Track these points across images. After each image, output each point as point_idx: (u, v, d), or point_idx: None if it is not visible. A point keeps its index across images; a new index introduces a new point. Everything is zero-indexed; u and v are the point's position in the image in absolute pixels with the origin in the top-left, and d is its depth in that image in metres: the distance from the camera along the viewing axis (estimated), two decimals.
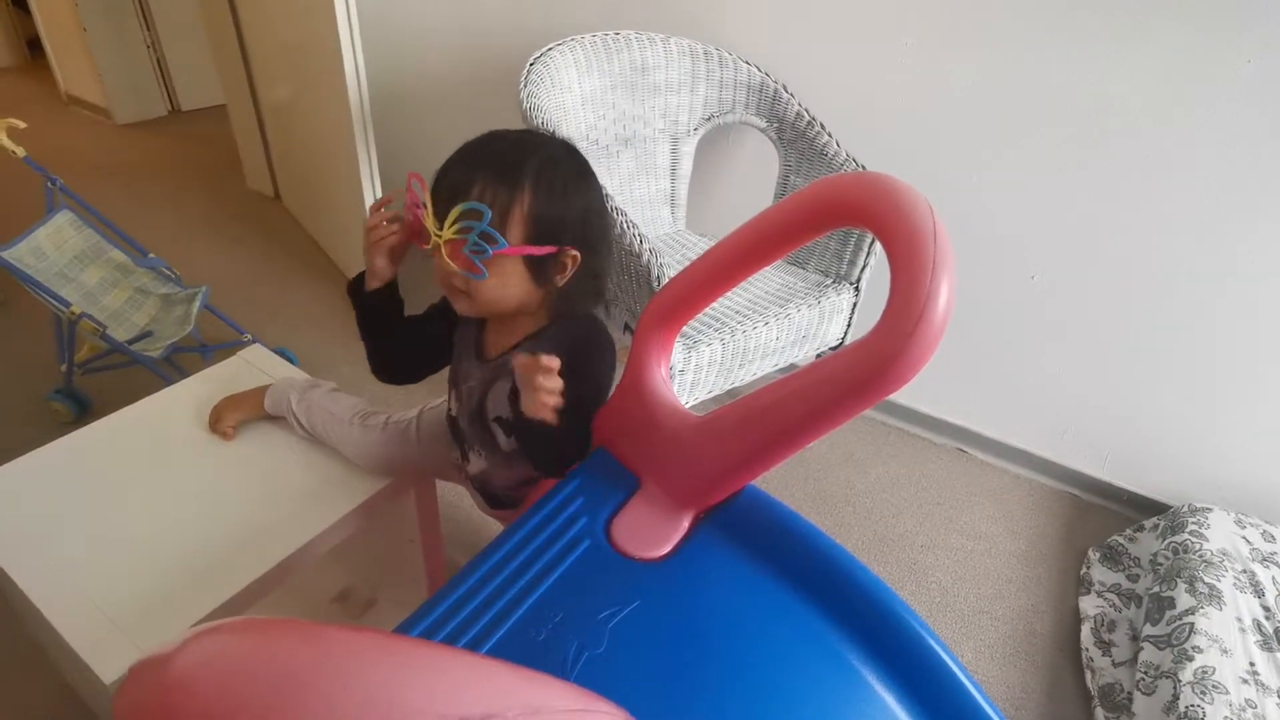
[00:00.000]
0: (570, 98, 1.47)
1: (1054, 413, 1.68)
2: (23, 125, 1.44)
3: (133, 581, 0.81)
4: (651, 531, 0.70)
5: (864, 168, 1.45)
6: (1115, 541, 1.57)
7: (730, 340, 1.32)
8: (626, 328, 1.41)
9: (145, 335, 1.49)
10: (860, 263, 1.48)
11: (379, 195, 1.90)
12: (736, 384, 1.41)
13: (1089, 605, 1.43)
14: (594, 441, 0.82)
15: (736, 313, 1.39)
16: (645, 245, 1.16)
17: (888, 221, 0.52)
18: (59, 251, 1.52)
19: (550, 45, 1.45)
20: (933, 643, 0.61)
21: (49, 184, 1.51)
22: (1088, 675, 1.32)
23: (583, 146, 1.49)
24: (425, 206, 0.75)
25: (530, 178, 0.75)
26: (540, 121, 1.29)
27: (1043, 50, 1.37)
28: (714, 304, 1.41)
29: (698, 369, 1.31)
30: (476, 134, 0.80)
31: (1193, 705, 1.12)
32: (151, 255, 1.65)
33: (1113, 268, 1.48)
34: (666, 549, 0.68)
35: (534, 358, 0.67)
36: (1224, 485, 1.58)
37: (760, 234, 0.65)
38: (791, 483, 1.65)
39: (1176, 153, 1.34)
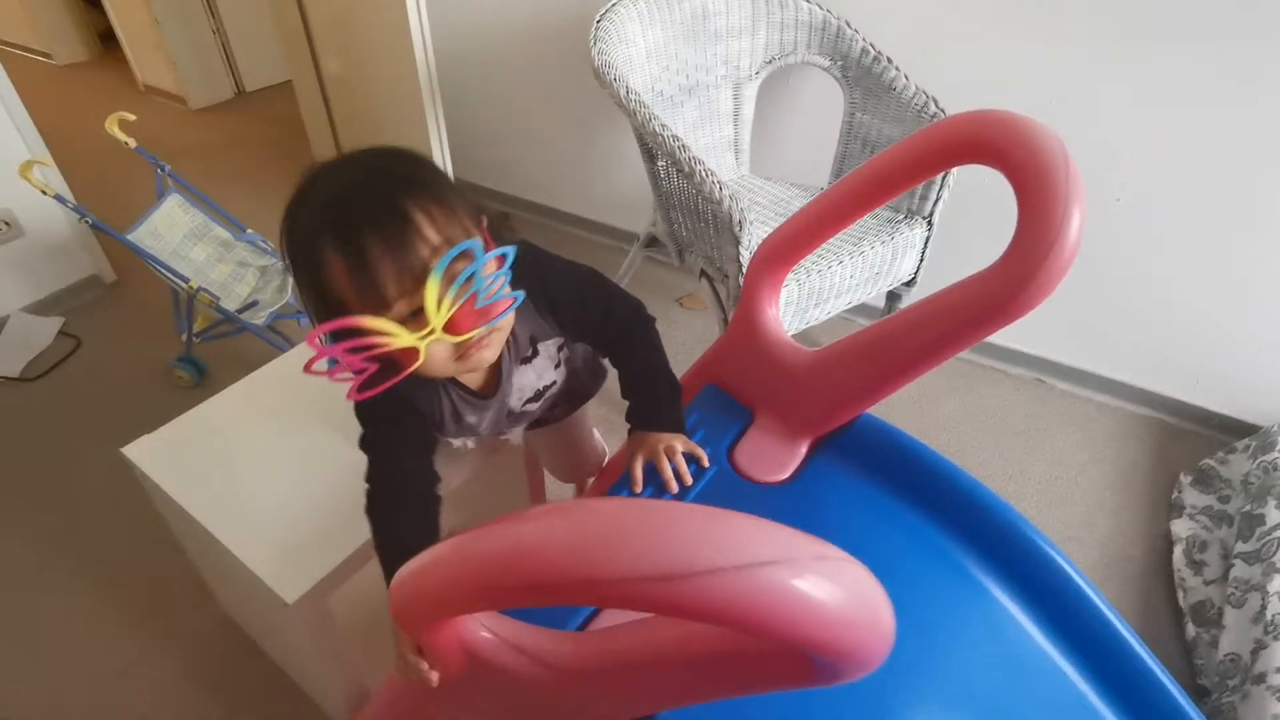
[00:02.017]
0: (635, 51, 1.49)
1: (1139, 338, 1.66)
2: (132, 117, 1.55)
3: (293, 518, 0.91)
4: (772, 458, 0.75)
5: (935, 99, 1.44)
6: (1207, 465, 1.56)
7: (806, 280, 1.35)
8: (701, 274, 1.45)
9: (251, 305, 1.60)
10: (933, 196, 1.48)
11: (448, 164, 1.96)
12: (811, 323, 1.44)
13: (1181, 528, 1.44)
14: (703, 379, 0.88)
15: (814, 256, 1.41)
16: (725, 192, 1.19)
17: (1018, 151, 0.55)
18: (171, 232, 1.64)
19: (614, 2, 1.47)
20: (1050, 550, 0.65)
21: (158, 171, 1.62)
22: (1180, 594, 1.34)
23: (648, 98, 1.53)
24: (381, 334, 0.58)
25: (424, 184, 0.62)
26: (611, 78, 1.32)
27: None
28: None
29: None
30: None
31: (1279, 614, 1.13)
32: (249, 230, 1.76)
33: (1201, 188, 1.44)
34: (787, 474, 0.74)
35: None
36: None
37: (879, 174, 0.68)
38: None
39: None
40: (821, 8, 1.56)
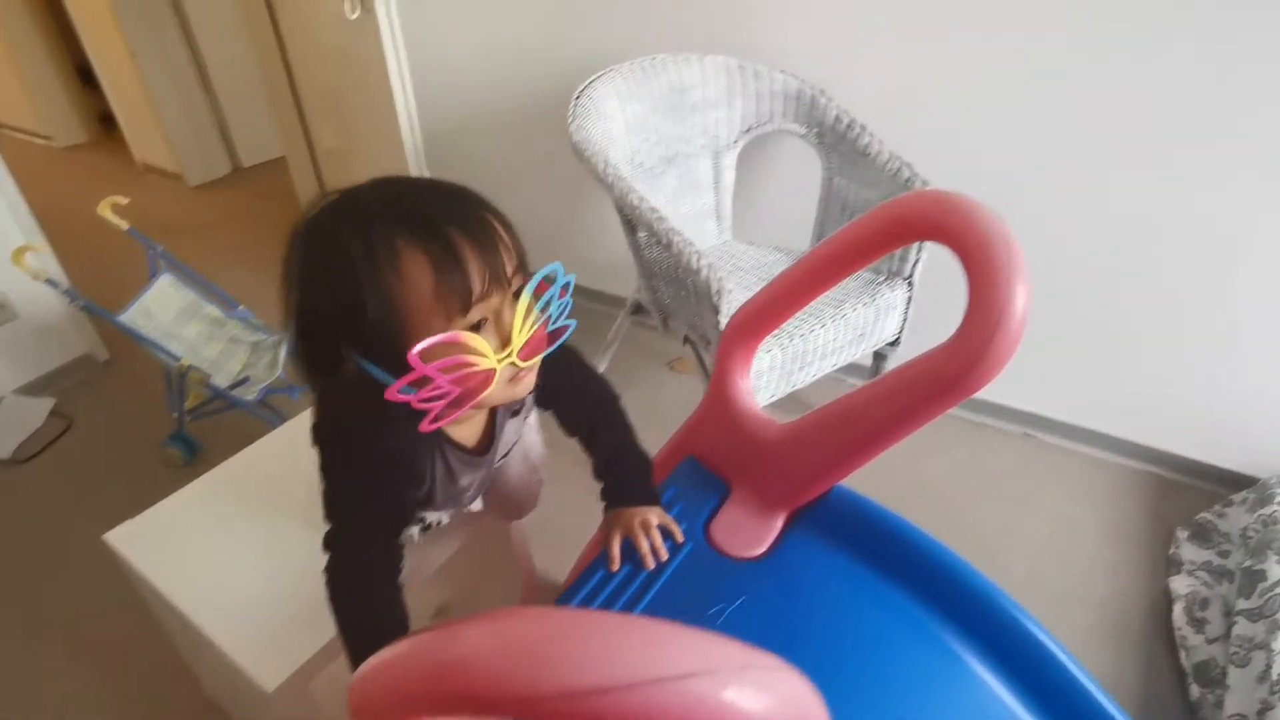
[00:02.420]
0: (614, 126, 1.54)
1: (1130, 391, 1.66)
2: (125, 201, 1.59)
3: (275, 602, 0.90)
4: (748, 532, 0.75)
5: (909, 164, 1.48)
6: (1204, 518, 1.55)
7: (789, 344, 1.37)
8: (686, 340, 1.46)
9: (242, 381, 1.61)
10: (912, 258, 1.51)
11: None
12: (797, 386, 1.45)
13: (1180, 585, 1.42)
14: (681, 452, 0.88)
15: (796, 320, 1.43)
16: (703, 262, 1.21)
17: (961, 232, 0.57)
18: (163, 310, 1.66)
19: (592, 78, 1.52)
20: (1028, 623, 0.64)
21: (150, 251, 1.65)
22: (1181, 654, 1.31)
23: (628, 170, 1.57)
24: (473, 353, 0.55)
25: (489, 204, 0.61)
26: (590, 153, 1.36)
27: (1094, 36, 1.38)
28: None
29: (758, 375, 1.35)
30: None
31: None
32: (240, 307, 1.78)
33: (1180, 240, 1.47)
34: (764, 548, 0.73)
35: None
36: None
37: (835, 252, 0.69)
38: (855, 478, 1.67)
39: (1239, 118, 1.33)
40: (796, 77, 1.62)
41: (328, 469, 0.66)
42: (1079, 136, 1.46)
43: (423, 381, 0.53)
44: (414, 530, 0.95)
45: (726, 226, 1.75)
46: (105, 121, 3.83)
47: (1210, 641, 1.31)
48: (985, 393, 1.78)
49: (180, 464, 1.72)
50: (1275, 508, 1.40)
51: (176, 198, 3.25)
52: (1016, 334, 0.54)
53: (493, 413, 0.75)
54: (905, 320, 1.57)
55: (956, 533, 1.55)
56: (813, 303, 1.46)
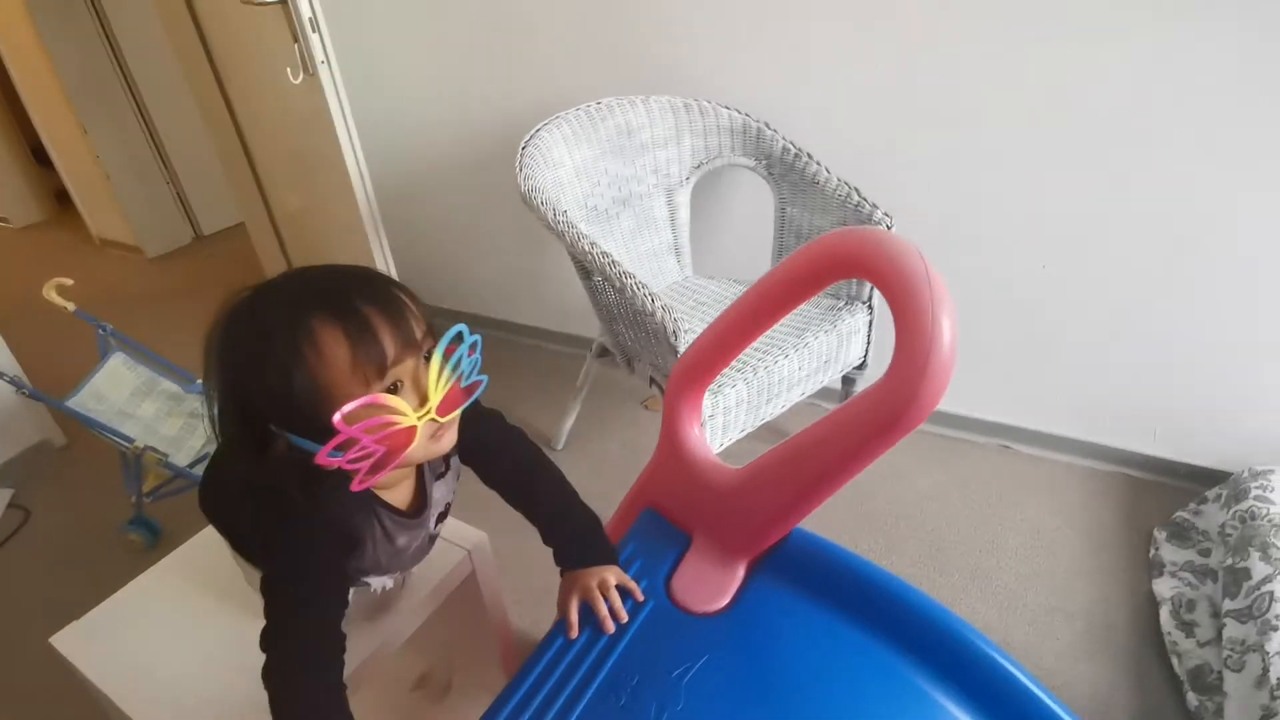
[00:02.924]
0: (564, 172, 1.54)
1: (1093, 394, 1.67)
2: (70, 282, 1.55)
3: (232, 704, 0.85)
4: (709, 585, 0.73)
5: (857, 189, 1.49)
6: (1180, 517, 1.54)
7: (754, 378, 1.35)
8: (652, 381, 1.45)
9: (203, 458, 1.56)
10: (868, 283, 1.51)
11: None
12: (768, 418, 1.44)
13: (1164, 587, 1.41)
14: (640, 503, 0.86)
15: (755, 349, 1.42)
16: (657, 304, 1.20)
17: (883, 270, 0.56)
18: (116, 391, 1.62)
19: (538, 126, 1.52)
20: (998, 657, 0.62)
21: (100, 331, 1.62)
22: (1174, 660, 1.29)
23: (582, 214, 1.57)
24: (394, 413, 0.59)
25: (395, 282, 0.65)
26: (540, 201, 1.35)
27: (1027, 44, 1.40)
28: None
29: (726, 411, 1.34)
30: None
31: None
32: (198, 381, 1.74)
33: (1128, 236, 1.48)
34: (726, 600, 0.71)
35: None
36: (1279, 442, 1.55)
37: (769, 293, 0.68)
38: (839, 505, 1.65)
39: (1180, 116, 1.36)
40: (741, 112, 1.63)
41: (267, 549, 0.66)
42: (1024, 148, 1.48)
43: (349, 444, 0.57)
44: (387, 583, 0.91)
45: (686, 262, 1.75)
46: (61, 199, 3.80)
47: (1202, 645, 1.29)
48: (960, 407, 1.79)
49: (142, 549, 1.66)
50: (1251, 503, 1.40)
51: (137, 270, 3.21)
52: (946, 368, 0.53)
53: (420, 475, 0.77)
54: (869, 343, 1.57)
55: (942, 554, 1.53)
56: (774, 333, 1.47)
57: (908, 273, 0.54)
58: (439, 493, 0.80)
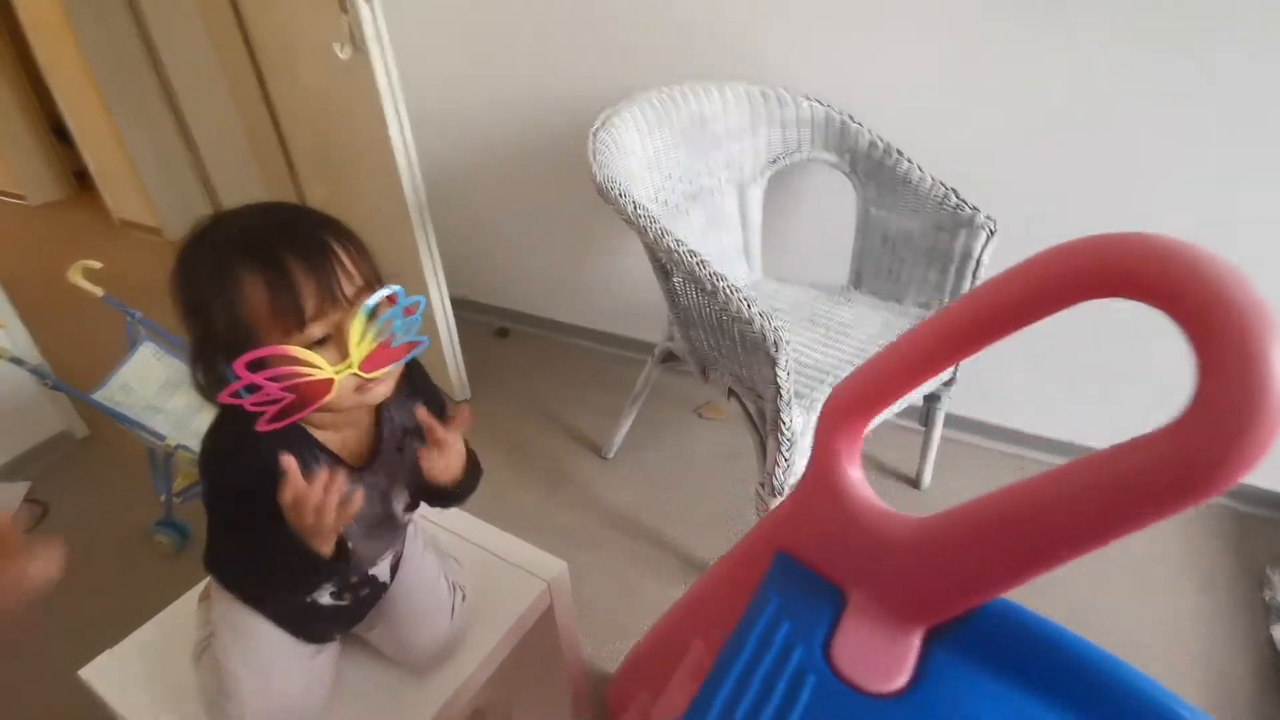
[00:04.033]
0: (635, 162, 1.42)
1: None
2: (98, 265, 1.44)
3: None
4: (880, 656, 0.61)
5: (954, 190, 1.37)
6: None
7: None
8: (730, 393, 1.33)
9: None
10: (964, 290, 1.39)
11: (442, 283, 1.87)
12: None
13: None
14: (769, 546, 0.74)
15: (845, 362, 1.30)
16: (755, 309, 1.09)
17: (1183, 293, 0.44)
18: (145, 384, 1.51)
19: (609, 111, 1.41)
20: None
21: (128, 319, 1.51)
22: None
23: (653, 209, 1.45)
24: (305, 364, 0.61)
25: (339, 227, 0.66)
26: (617, 193, 1.24)
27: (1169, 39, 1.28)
28: (818, 355, 1.33)
29: (809, 431, 1.22)
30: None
31: None
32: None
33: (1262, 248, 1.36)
34: (904, 677, 0.59)
35: (453, 419, 0.73)
36: None
37: (984, 310, 0.56)
38: None
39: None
40: (823, 104, 1.51)
41: (209, 489, 0.69)
42: (1142, 160, 1.36)
43: (255, 388, 0.59)
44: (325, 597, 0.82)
45: (756, 265, 1.63)
46: (80, 178, 3.70)
47: None
48: (1052, 430, 1.66)
49: (171, 552, 1.56)
50: None
51: (157, 254, 3.10)
52: (1276, 422, 0.41)
53: (378, 430, 0.76)
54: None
55: (1043, 597, 1.40)
56: (864, 343, 1.35)
57: (1230, 299, 0.42)
58: (402, 469, 0.78)
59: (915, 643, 0.62)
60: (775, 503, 1.27)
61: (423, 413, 0.71)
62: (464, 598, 0.92)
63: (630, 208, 1.21)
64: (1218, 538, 1.51)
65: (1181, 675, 1.26)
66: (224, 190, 3.30)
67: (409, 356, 0.69)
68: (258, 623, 0.79)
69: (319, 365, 0.61)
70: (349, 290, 0.63)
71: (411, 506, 0.82)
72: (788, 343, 1.08)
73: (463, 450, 0.75)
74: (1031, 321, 0.55)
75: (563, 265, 2.12)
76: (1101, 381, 1.57)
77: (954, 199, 1.36)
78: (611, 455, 1.78)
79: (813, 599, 0.68)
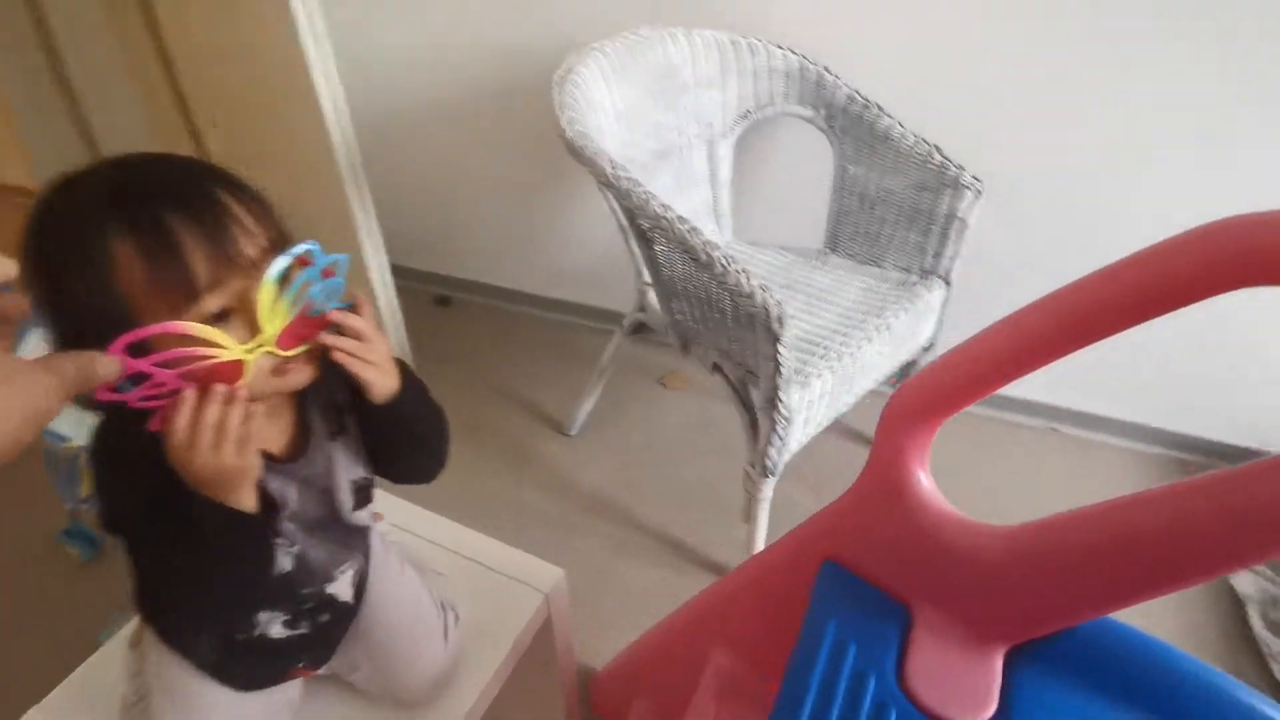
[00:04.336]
0: (603, 115, 1.29)
1: (1144, 373, 1.55)
2: None
3: None
4: (960, 680, 0.55)
5: (938, 148, 1.30)
6: None
7: (839, 366, 1.18)
8: (715, 368, 1.25)
9: None
10: (949, 253, 1.34)
11: (379, 248, 1.70)
12: (843, 409, 1.27)
13: (1246, 585, 1.33)
14: (815, 553, 0.67)
15: (834, 332, 1.24)
16: (754, 283, 1.00)
17: None
18: None
19: (573, 59, 1.27)
20: None
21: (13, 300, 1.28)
22: (1273, 667, 1.22)
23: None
24: (206, 344, 0.49)
25: (233, 178, 0.55)
26: (592, 152, 1.11)
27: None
28: (804, 325, 1.26)
29: (810, 406, 1.16)
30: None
31: None
32: None
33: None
34: (991, 704, 0.53)
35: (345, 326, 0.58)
36: None
37: (1094, 304, 0.49)
38: None
39: None
40: (796, 53, 1.41)
41: (106, 514, 0.57)
42: (1130, 128, 1.33)
43: (143, 378, 0.48)
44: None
45: (727, 226, 1.54)
46: None
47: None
48: (1024, 392, 1.66)
49: (80, 564, 1.37)
50: None
51: None
52: None
53: (300, 411, 0.64)
54: (940, 324, 1.41)
55: None
56: (853, 313, 1.29)
57: None
58: (340, 460, 0.66)
59: (997, 665, 0.56)
60: (767, 484, 1.21)
61: (335, 313, 0.57)
62: (457, 618, 0.81)
63: (608, 169, 1.09)
64: None
65: (1147, 627, 1.28)
66: (110, 145, 2.93)
67: (322, 334, 0.56)
68: (199, 685, 0.67)
69: (224, 344, 0.49)
70: (251, 252, 0.52)
71: (362, 499, 0.69)
72: (791, 318, 1.00)
73: (388, 349, 0.62)
74: (1151, 317, 0.48)
75: (512, 228, 1.97)
76: None
77: (938, 157, 1.30)
78: (575, 432, 1.68)
79: (876, 617, 0.61)
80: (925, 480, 0.59)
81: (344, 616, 0.74)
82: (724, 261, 1.02)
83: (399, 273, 1.78)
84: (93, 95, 2.76)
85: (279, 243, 0.54)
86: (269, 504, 0.56)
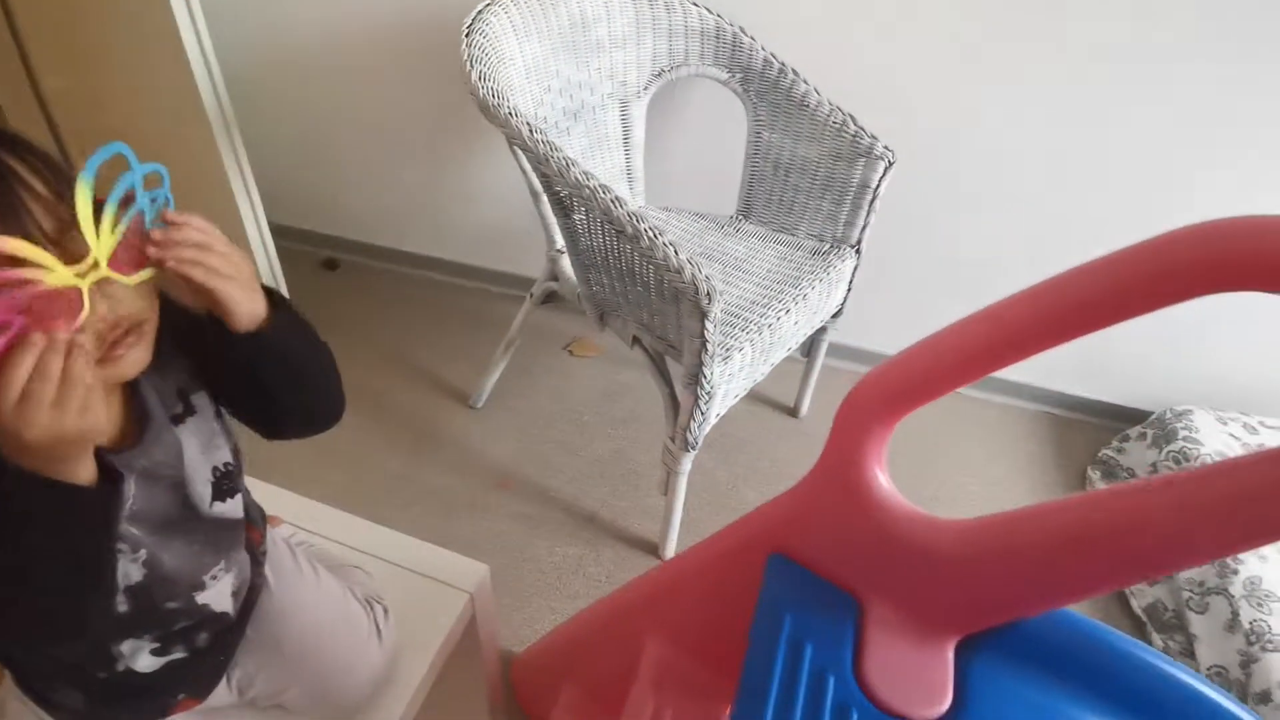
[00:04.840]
0: (514, 71, 1.20)
1: None
2: None
3: None
4: (917, 676, 0.55)
5: (853, 117, 1.30)
6: (1106, 455, 1.62)
7: (759, 337, 1.17)
8: (635, 341, 1.21)
9: None
10: (860, 222, 1.36)
11: (257, 204, 1.53)
12: (758, 379, 1.27)
13: None
14: (760, 546, 0.66)
15: (753, 303, 1.23)
16: (683, 257, 0.96)
17: None
18: None
19: (481, 5, 1.16)
20: None
21: None
22: (1131, 600, 1.35)
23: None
24: (28, 264, 0.40)
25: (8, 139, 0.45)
26: (506, 111, 1.03)
27: None
28: (728, 297, 1.24)
29: (730, 379, 1.15)
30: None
31: (1257, 620, 1.16)
32: None
33: (1080, 174, 1.44)
34: (946, 699, 0.54)
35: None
36: (1192, 380, 1.64)
37: (1072, 299, 0.49)
38: (760, 453, 1.54)
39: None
40: (712, 13, 1.36)
41: None
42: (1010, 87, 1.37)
43: None
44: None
45: (639, 190, 1.49)
46: None
47: (1153, 583, 1.36)
48: (884, 345, 1.73)
49: None
50: (1182, 444, 1.48)
51: None
52: None
53: (133, 397, 0.53)
54: (849, 291, 1.44)
55: None
56: (770, 284, 1.28)
57: None
58: (190, 447, 0.56)
59: (949, 657, 0.57)
60: (687, 458, 1.20)
61: (170, 214, 0.48)
62: (386, 611, 0.75)
63: (525, 131, 1.01)
64: (1044, 442, 1.69)
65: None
66: None
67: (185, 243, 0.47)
68: None
69: (49, 265, 0.40)
70: (48, 224, 0.43)
71: (225, 489, 0.60)
72: (720, 293, 0.97)
73: (249, 265, 0.51)
74: (1138, 314, 0.48)
75: (408, 186, 1.83)
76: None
77: (852, 126, 1.30)
78: (480, 405, 1.61)
79: (829, 611, 0.60)
80: (882, 476, 0.59)
81: (226, 631, 0.65)
82: (651, 234, 0.97)
83: (280, 233, 1.62)
84: None
85: (67, 183, 0.44)
86: (110, 475, 0.46)
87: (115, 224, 0.44)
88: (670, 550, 1.33)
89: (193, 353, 0.57)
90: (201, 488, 0.58)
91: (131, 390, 0.53)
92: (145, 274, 0.46)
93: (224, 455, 0.60)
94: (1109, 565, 0.49)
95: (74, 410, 0.39)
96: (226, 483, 0.60)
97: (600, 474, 1.50)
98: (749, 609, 0.63)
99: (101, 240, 0.43)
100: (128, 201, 0.45)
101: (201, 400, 0.58)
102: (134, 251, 0.45)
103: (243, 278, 0.50)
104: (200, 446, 0.57)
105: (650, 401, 1.62)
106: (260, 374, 0.54)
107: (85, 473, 0.43)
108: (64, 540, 0.43)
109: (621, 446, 1.56)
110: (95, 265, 0.42)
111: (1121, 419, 1.71)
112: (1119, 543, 0.48)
